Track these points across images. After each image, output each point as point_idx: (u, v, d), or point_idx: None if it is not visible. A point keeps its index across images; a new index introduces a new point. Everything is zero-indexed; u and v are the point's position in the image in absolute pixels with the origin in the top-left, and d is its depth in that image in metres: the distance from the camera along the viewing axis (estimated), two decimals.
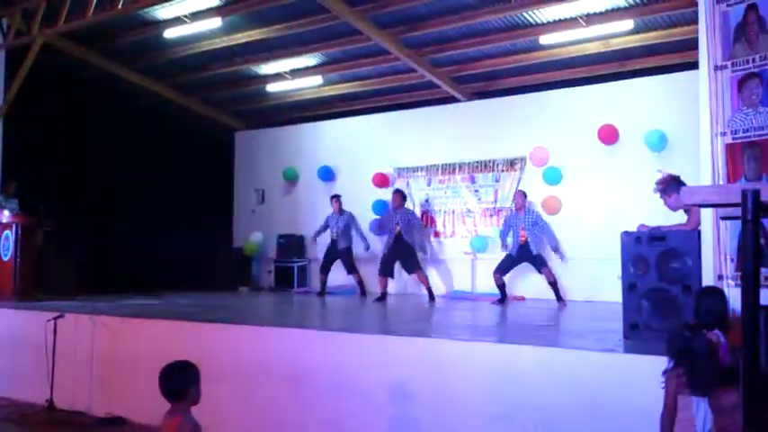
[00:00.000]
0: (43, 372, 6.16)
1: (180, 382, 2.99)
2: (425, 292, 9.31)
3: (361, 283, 10.08)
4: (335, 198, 10.28)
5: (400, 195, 9.66)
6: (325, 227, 10.28)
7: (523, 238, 8.68)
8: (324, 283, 10.18)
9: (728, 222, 3.85)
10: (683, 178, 5.38)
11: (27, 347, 6.62)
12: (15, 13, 9.28)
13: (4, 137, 9.64)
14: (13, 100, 9.36)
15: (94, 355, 6.30)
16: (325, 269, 10.20)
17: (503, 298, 8.64)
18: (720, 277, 4.02)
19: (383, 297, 9.13)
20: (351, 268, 10.03)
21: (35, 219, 8.73)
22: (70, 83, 10.28)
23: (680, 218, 5.17)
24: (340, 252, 10.02)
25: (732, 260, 3.97)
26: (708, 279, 4.15)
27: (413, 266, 9.36)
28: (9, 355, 6.97)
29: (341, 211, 10.17)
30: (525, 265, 8.88)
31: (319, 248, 10.71)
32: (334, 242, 10.09)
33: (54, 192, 9.64)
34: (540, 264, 8.64)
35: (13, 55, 9.56)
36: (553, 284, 8.54)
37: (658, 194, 5.35)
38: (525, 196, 9.07)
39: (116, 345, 6.24)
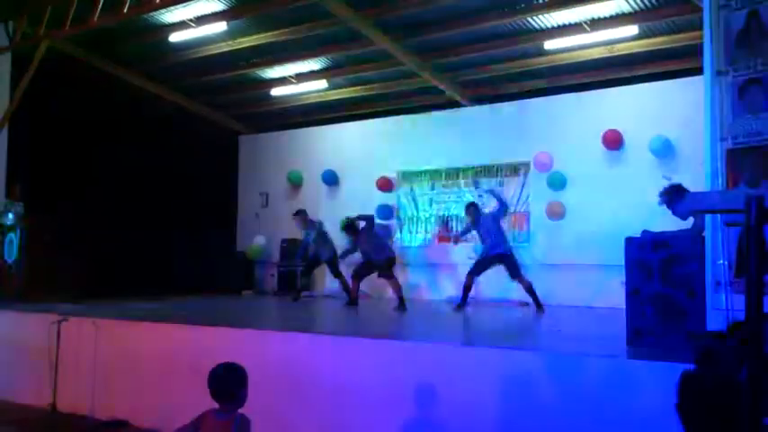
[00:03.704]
0: (46, 375, 6.17)
1: (231, 383, 3.07)
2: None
3: (346, 288, 9.51)
4: (298, 214, 9.93)
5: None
6: (305, 245, 9.96)
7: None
8: (303, 288, 10.03)
9: (728, 228, 3.85)
10: (688, 184, 5.39)
11: (30, 350, 6.62)
12: (22, 17, 9.33)
13: (9, 139, 9.68)
14: (18, 103, 9.40)
15: (97, 359, 6.30)
16: (308, 273, 10.07)
17: (462, 302, 8.23)
18: (718, 283, 4.01)
19: (355, 302, 8.85)
20: (336, 272, 9.73)
21: (39, 222, 8.76)
22: (75, 86, 10.31)
23: (685, 224, 5.17)
24: (325, 261, 9.73)
25: (731, 266, 3.96)
26: (709, 285, 4.14)
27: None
28: (12, 358, 6.97)
29: (307, 225, 9.78)
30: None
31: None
32: (315, 255, 9.77)
33: (59, 195, 9.67)
34: (513, 270, 8.28)
35: (20, 58, 9.61)
36: (529, 290, 8.27)
37: (664, 206, 5.37)
38: (476, 207, 8.73)
39: (119, 348, 6.24)
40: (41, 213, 8.92)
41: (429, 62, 10.30)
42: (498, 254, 8.25)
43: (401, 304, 8.37)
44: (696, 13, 7.28)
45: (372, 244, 8.84)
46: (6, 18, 9.57)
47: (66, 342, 6.21)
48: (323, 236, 9.70)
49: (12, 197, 9.33)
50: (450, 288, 10.62)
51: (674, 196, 5.21)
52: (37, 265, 8.69)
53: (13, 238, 8.63)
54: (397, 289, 8.56)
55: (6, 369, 6.98)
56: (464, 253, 10.55)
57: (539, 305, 8.24)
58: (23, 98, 9.34)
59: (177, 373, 5.62)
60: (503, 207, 8.61)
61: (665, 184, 5.80)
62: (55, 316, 6.34)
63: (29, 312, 7.25)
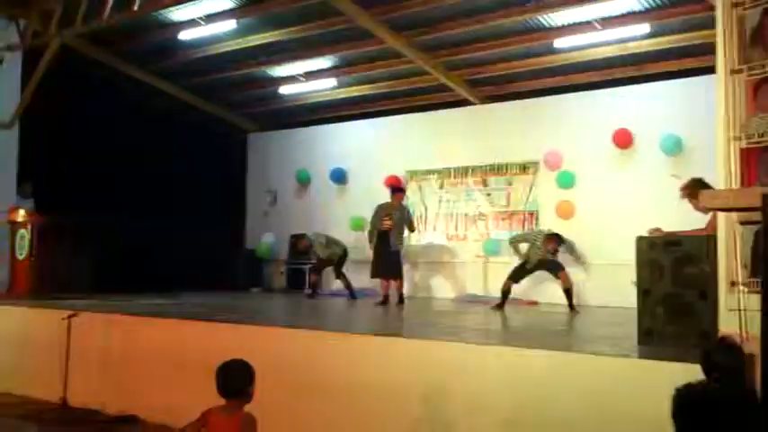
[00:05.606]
0: (57, 370, 6.20)
1: (239, 379, 3.08)
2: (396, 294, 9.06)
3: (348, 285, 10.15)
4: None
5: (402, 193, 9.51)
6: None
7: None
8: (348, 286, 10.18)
9: (743, 228, 3.80)
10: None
11: (41, 346, 6.67)
12: (32, 15, 9.37)
13: (20, 137, 9.73)
14: (29, 100, 9.45)
15: (108, 354, 6.33)
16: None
17: (501, 304, 8.35)
18: (733, 284, 3.97)
19: (386, 300, 8.97)
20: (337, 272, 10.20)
21: (50, 218, 8.81)
22: (86, 84, 10.36)
23: (698, 223, 5.14)
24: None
25: (746, 266, 3.92)
26: (721, 285, 4.10)
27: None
28: (23, 353, 7.02)
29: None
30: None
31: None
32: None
33: (69, 192, 9.71)
34: (555, 267, 8.47)
35: (30, 56, 9.65)
36: (567, 291, 8.33)
37: (686, 200, 5.33)
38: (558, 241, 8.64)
39: (129, 343, 6.27)
40: (52, 210, 8.96)
41: (438, 60, 10.27)
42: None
43: (401, 300, 8.95)
44: (708, 12, 7.23)
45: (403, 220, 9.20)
46: (18, 16, 9.61)
47: (77, 337, 6.25)
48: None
49: (23, 194, 9.39)
50: (458, 287, 10.62)
51: (694, 190, 5.14)
52: (47, 261, 8.74)
53: (24, 234, 8.68)
54: (400, 287, 9.05)
55: (18, 364, 7.02)
56: (473, 251, 10.57)
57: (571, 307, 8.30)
58: (34, 95, 9.39)
59: (187, 368, 5.63)
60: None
61: (676, 182, 5.77)
62: (65, 311, 6.37)
63: (40, 308, 7.30)
